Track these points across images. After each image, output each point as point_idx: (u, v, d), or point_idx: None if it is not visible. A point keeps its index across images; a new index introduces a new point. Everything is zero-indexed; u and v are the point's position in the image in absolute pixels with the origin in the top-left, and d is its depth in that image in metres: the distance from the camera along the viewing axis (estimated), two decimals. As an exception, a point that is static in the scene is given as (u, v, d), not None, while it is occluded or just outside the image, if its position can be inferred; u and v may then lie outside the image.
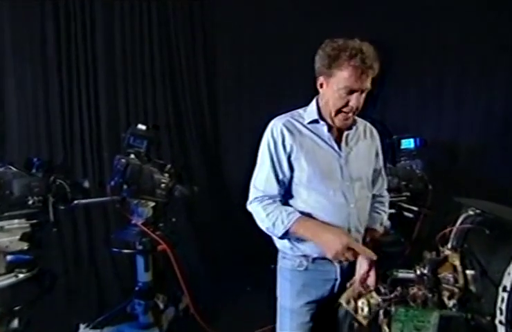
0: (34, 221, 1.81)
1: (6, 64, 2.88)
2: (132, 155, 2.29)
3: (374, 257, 1.29)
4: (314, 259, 1.46)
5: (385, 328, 1.19)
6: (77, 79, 3.09)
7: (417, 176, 2.69)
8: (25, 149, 2.90)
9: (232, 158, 3.68)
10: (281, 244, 1.51)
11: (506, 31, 3.26)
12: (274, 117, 1.51)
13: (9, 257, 1.79)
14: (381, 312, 1.21)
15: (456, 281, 1.16)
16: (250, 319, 2.64)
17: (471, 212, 1.26)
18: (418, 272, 1.22)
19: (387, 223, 1.82)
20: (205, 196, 3.37)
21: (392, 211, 2.47)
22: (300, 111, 1.52)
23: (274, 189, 1.44)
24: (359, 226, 1.47)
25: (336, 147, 1.46)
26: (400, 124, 3.23)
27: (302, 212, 1.40)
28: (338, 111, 1.40)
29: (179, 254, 2.45)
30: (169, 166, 2.38)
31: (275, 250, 1.57)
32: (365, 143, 1.53)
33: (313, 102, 1.50)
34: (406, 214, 2.62)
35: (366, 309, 1.23)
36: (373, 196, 1.59)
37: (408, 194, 2.64)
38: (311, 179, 1.42)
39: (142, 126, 2.38)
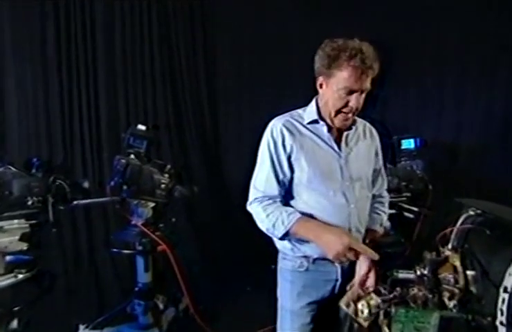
0: (34, 222, 1.81)
1: (6, 64, 2.87)
2: (132, 156, 2.28)
3: (376, 257, 1.28)
4: (315, 260, 1.46)
5: (385, 329, 1.19)
6: (77, 79, 3.08)
7: (417, 177, 2.68)
8: (25, 149, 2.90)
9: (232, 158, 3.67)
10: (281, 245, 1.51)
11: (506, 31, 3.25)
12: (274, 117, 1.51)
13: (8, 258, 1.78)
14: (381, 313, 1.21)
15: (456, 281, 1.15)
16: (250, 320, 2.64)
17: (472, 212, 1.25)
18: (418, 272, 1.22)
19: (387, 223, 1.82)
20: (205, 196, 3.36)
21: (392, 211, 2.46)
22: (300, 111, 1.52)
23: (274, 189, 1.44)
24: (359, 226, 1.47)
25: (336, 147, 1.46)
26: (400, 125, 3.23)
27: (302, 213, 1.40)
28: (338, 112, 1.40)
29: (179, 254, 2.44)
30: (169, 166, 2.38)
31: (275, 251, 1.57)
32: (365, 143, 1.53)
33: (313, 102, 1.50)
34: (406, 214, 2.62)
35: (366, 311, 1.22)
36: (373, 197, 1.59)
37: (408, 194, 2.63)
38: (311, 179, 1.42)
39: (142, 127, 2.38)
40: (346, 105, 1.37)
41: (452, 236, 1.25)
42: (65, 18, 3.01)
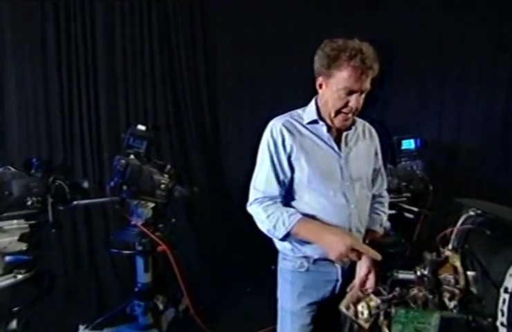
0: (33, 222, 1.81)
1: (6, 64, 2.87)
2: (132, 156, 2.28)
3: (379, 257, 1.27)
4: (315, 260, 1.45)
5: (385, 329, 1.18)
6: (77, 79, 3.08)
7: (418, 177, 2.68)
8: (25, 149, 2.89)
9: (232, 158, 3.67)
10: (281, 245, 1.51)
11: (506, 31, 3.25)
12: (274, 117, 1.50)
13: (7, 258, 1.78)
14: (381, 313, 1.20)
15: (457, 282, 1.15)
16: (250, 321, 2.64)
17: (472, 213, 1.25)
18: (418, 273, 1.22)
19: (387, 224, 1.81)
20: (205, 196, 3.36)
21: (393, 212, 2.46)
22: (299, 111, 1.52)
23: (274, 189, 1.43)
24: (360, 226, 1.46)
25: (336, 148, 1.45)
26: (400, 125, 3.22)
27: (303, 214, 1.39)
28: (338, 112, 1.39)
29: (179, 255, 2.44)
30: (168, 167, 2.37)
31: (276, 251, 1.57)
32: (364, 143, 1.53)
33: (312, 103, 1.49)
34: (406, 214, 2.61)
35: (366, 312, 1.22)
36: (373, 197, 1.59)
37: (409, 194, 2.63)
38: (311, 180, 1.41)
39: (141, 127, 2.37)
40: (346, 105, 1.37)
41: (453, 236, 1.25)
42: (65, 18, 3.01)
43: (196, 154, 3.59)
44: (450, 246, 1.23)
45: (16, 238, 1.76)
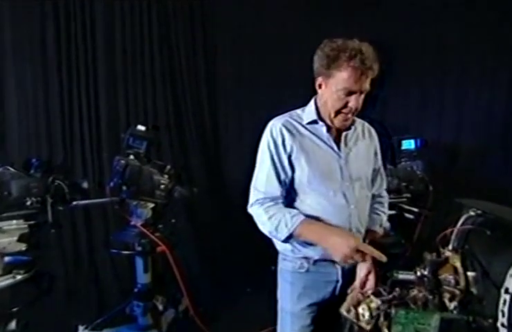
0: (33, 222, 1.81)
1: (6, 64, 2.87)
2: (131, 156, 2.28)
3: (384, 259, 1.26)
4: (315, 261, 1.45)
5: (385, 330, 1.18)
6: (77, 79, 3.08)
7: (418, 177, 2.67)
8: (25, 149, 2.89)
9: (232, 158, 3.67)
10: (281, 246, 1.50)
11: (506, 31, 3.25)
12: (274, 117, 1.50)
13: (7, 258, 1.78)
14: (381, 314, 1.20)
15: (457, 282, 1.15)
16: (250, 321, 2.63)
17: (472, 213, 1.25)
18: (418, 273, 1.21)
19: (386, 224, 1.81)
20: (205, 196, 3.36)
21: (393, 212, 2.46)
22: (298, 111, 1.51)
23: (275, 189, 1.42)
24: (360, 227, 1.46)
25: (335, 148, 1.45)
26: (400, 125, 3.22)
27: (304, 214, 1.38)
28: (337, 112, 1.39)
29: (178, 255, 2.44)
30: (168, 167, 2.37)
31: (276, 252, 1.56)
32: (364, 143, 1.53)
33: (311, 103, 1.49)
34: (407, 215, 2.61)
35: (367, 314, 1.22)
36: (373, 197, 1.59)
37: (409, 195, 2.63)
38: (310, 180, 1.41)
39: (141, 127, 2.37)
40: (345, 106, 1.36)
41: (453, 236, 1.24)
42: (65, 18, 3.01)
43: (196, 154, 3.58)
44: (450, 246, 1.23)
45: (16, 238, 1.76)
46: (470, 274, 1.14)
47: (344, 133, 1.46)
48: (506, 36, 3.25)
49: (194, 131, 3.58)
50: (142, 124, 2.40)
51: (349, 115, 1.39)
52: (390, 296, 1.22)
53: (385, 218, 1.64)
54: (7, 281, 1.74)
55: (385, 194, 1.68)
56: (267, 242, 1.53)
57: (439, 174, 2.88)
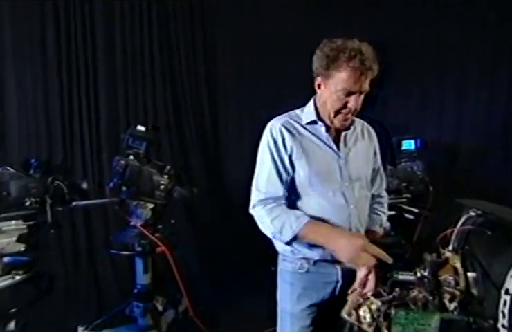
0: (32, 223, 1.81)
1: (6, 64, 2.87)
2: (131, 157, 2.28)
3: (390, 260, 1.26)
4: (315, 262, 1.44)
5: (385, 331, 1.18)
6: (77, 79, 3.08)
7: (418, 178, 2.67)
8: (25, 149, 2.89)
9: (232, 158, 3.67)
10: (281, 247, 1.49)
11: (506, 31, 3.25)
12: (274, 117, 1.50)
13: (6, 259, 1.77)
14: (381, 315, 1.20)
15: (457, 283, 1.15)
16: (250, 322, 2.63)
17: (472, 213, 1.24)
18: (418, 274, 1.21)
19: (386, 224, 1.80)
20: (204, 197, 3.36)
21: (393, 213, 2.46)
22: (297, 111, 1.51)
23: (277, 189, 1.41)
24: (360, 227, 1.46)
25: (335, 148, 1.45)
26: (400, 125, 3.22)
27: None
28: (337, 112, 1.38)
29: (178, 256, 2.43)
30: (168, 167, 2.37)
31: (275, 253, 1.56)
32: (363, 143, 1.52)
33: (311, 103, 1.48)
34: (407, 215, 2.61)
35: (368, 316, 1.21)
36: (372, 197, 1.58)
37: (409, 195, 2.63)
38: (310, 180, 1.40)
39: (141, 128, 2.37)
40: (345, 106, 1.36)
41: (453, 237, 1.24)
42: (65, 18, 3.01)
43: (196, 154, 3.58)
44: (450, 247, 1.23)
45: (15, 239, 1.76)
46: (470, 274, 1.14)
47: (343, 133, 1.46)
48: (506, 36, 3.25)
49: (194, 131, 3.58)
50: (142, 125, 2.39)
51: (349, 116, 1.39)
52: (390, 296, 1.21)
53: (384, 218, 1.63)
54: (7, 282, 1.74)
55: (384, 194, 1.68)
56: (267, 242, 1.53)
57: (439, 174, 2.87)
